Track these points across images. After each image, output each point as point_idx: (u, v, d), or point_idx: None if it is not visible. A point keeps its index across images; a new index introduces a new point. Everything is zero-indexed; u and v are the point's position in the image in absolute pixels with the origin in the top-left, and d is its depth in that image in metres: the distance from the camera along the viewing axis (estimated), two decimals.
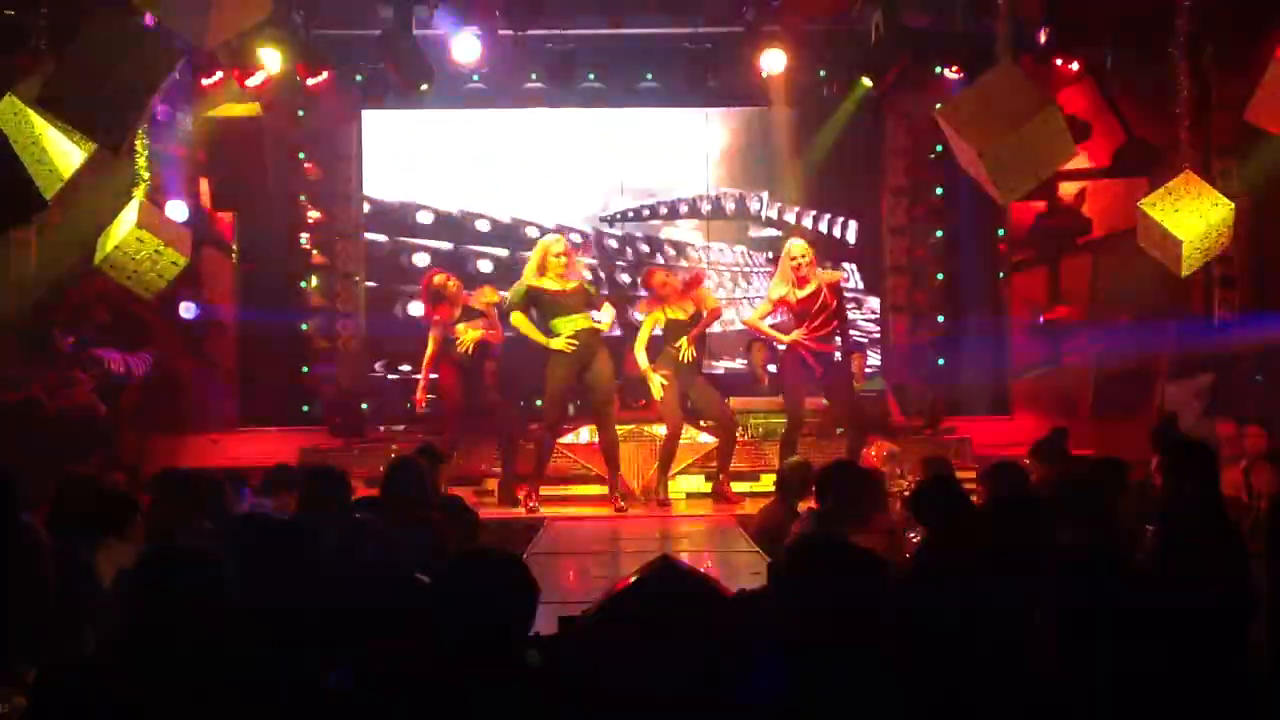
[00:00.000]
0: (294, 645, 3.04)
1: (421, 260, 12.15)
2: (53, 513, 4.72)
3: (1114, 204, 11.14)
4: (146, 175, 8.92)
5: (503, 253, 12.21)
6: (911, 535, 5.62)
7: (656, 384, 9.08)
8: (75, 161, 7.42)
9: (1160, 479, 5.03)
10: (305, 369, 12.07)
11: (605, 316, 9.07)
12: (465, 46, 10.52)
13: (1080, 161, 10.39)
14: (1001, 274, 12.18)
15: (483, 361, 9.41)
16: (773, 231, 12.34)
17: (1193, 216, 8.20)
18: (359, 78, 11.28)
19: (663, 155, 12.37)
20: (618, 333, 9.76)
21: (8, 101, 7.41)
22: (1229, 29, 9.68)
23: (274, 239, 12.07)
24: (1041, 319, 11.59)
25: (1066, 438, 7.80)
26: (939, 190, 12.13)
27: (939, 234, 12.25)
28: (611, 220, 12.42)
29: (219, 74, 10.54)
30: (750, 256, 12.49)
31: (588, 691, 2.51)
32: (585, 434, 10.11)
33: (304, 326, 12.14)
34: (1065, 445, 7.54)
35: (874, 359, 12.11)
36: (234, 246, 11.91)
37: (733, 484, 9.50)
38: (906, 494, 7.39)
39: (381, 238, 12.32)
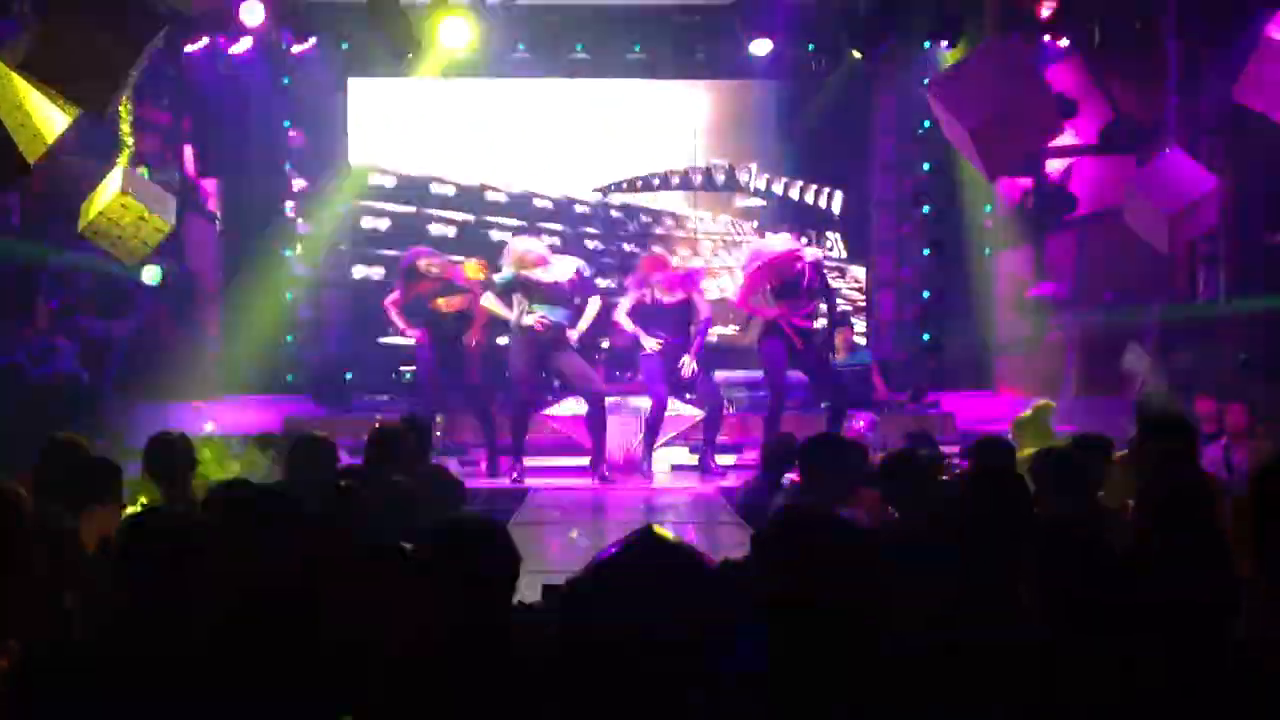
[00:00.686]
0: (278, 613, 3.04)
1: (383, 224, 12.13)
2: (36, 480, 4.70)
3: (1101, 181, 11.16)
4: (130, 141, 8.87)
5: (467, 218, 12.17)
6: (893, 509, 5.64)
7: (651, 342, 9.09)
8: (59, 127, 7.36)
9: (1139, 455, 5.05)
10: (289, 338, 12.04)
11: (590, 310, 9.17)
12: (454, 30, 10.42)
13: (1068, 138, 10.40)
14: (988, 250, 12.20)
15: (463, 331, 9.38)
16: (759, 202, 12.33)
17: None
18: (344, 45, 11.21)
19: (650, 127, 12.34)
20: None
21: None
22: (1219, 7, 9.67)
23: (258, 206, 12.01)
24: (1027, 295, 11.61)
25: (1050, 413, 7.82)
26: (927, 166, 12.13)
27: (926, 210, 12.25)
28: (607, 190, 12.38)
29: (204, 40, 10.46)
30: (737, 226, 12.47)
31: (570, 659, 2.52)
32: (570, 405, 10.13)
33: (288, 295, 12.10)
34: (1049, 421, 7.56)
35: (859, 326, 12.13)
36: (218, 214, 11.85)
37: (718, 457, 9.52)
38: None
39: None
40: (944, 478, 5.61)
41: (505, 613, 2.81)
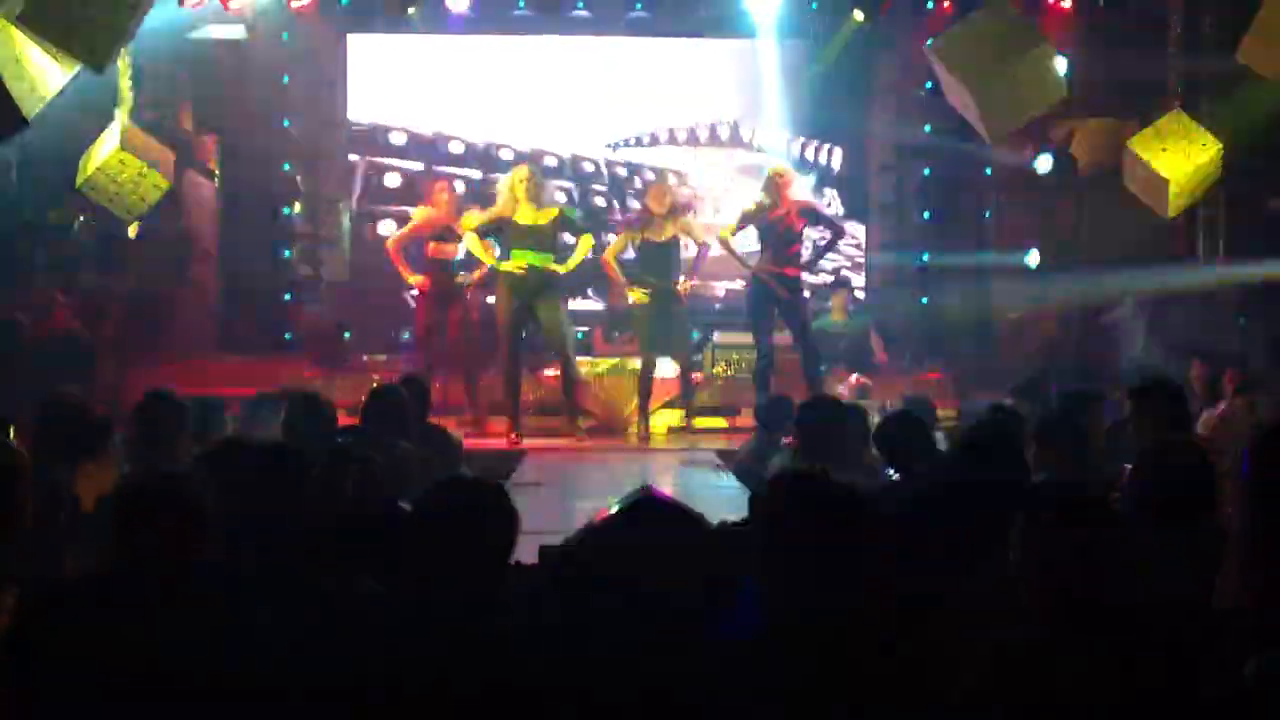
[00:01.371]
0: (277, 570, 3.05)
1: (393, 181, 12.09)
2: (33, 436, 4.70)
3: (1103, 144, 11.10)
4: (129, 96, 8.82)
5: (476, 174, 12.12)
6: (892, 471, 5.65)
7: (639, 293, 9.06)
8: (57, 81, 7.31)
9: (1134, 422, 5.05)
10: (288, 296, 12.01)
11: (581, 249, 9.06)
12: None
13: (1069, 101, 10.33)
14: (988, 213, 12.16)
15: (454, 277, 9.33)
16: (761, 159, 12.25)
17: (1180, 157, 8.19)
18: (344, 1, 11.12)
19: (652, 84, 12.24)
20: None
21: None
22: None
23: (257, 164, 11.96)
24: (1027, 259, 11.56)
25: (1048, 377, 7.83)
26: (927, 128, 12.06)
27: (926, 172, 12.20)
28: (615, 147, 12.30)
29: None
30: (739, 181, 12.37)
31: (567, 621, 2.53)
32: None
33: (287, 253, 12.06)
34: (1047, 384, 7.57)
35: (858, 281, 12.11)
36: (216, 171, 11.80)
37: (713, 419, 9.55)
38: None
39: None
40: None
41: (503, 573, 2.82)
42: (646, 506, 2.57)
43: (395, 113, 12.15)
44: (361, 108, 12.14)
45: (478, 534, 2.78)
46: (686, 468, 8.41)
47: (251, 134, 11.73)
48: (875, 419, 7.20)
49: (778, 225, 9.00)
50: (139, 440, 4.82)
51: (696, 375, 10.05)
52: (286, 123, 11.95)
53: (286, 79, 11.89)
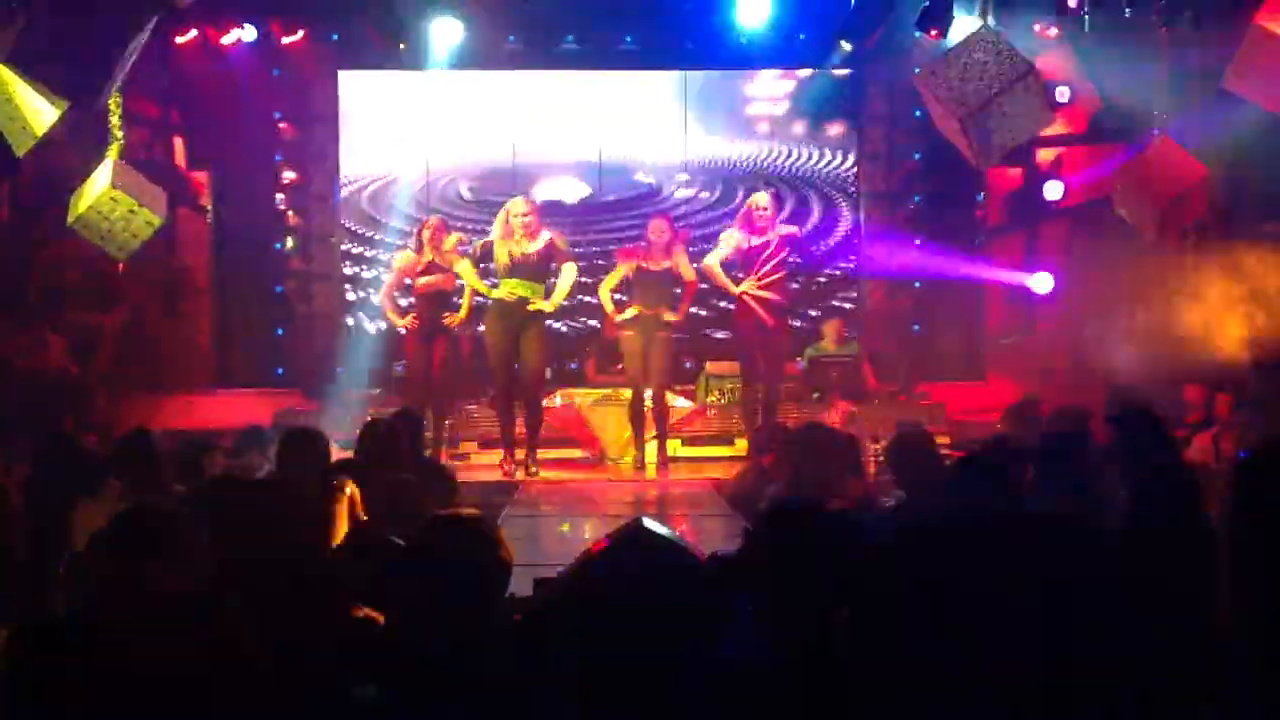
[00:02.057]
0: (270, 608, 3.04)
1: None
2: (30, 474, 4.69)
3: (1091, 170, 11.16)
4: (120, 134, 8.84)
5: (474, 215, 12.11)
6: (886, 500, 5.65)
7: (628, 313, 9.10)
8: (48, 119, 7.34)
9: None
10: (280, 331, 12.02)
11: (564, 281, 9.06)
12: (446, 29, 10.36)
13: (1057, 128, 10.40)
14: (978, 240, 12.20)
15: (441, 313, 9.33)
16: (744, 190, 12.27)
17: (1160, 183, 8.25)
18: (335, 37, 11.17)
19: (641, 117, 12.27)
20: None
21: None
22: None
23: (249, 200, 11.98)
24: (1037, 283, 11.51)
25: (1039, 404, 7.84)
26: (917, 155, 12.12)
27: (917, 199, 12.25)
28: (601, 177, 12.31)
29: (193, 32, 10.43)
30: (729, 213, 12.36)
31: (561, 653, 2.53)
32: (559, 399, 10.14)
33: (279, 289, 12.07)
34: (1038, 411, 7.57)
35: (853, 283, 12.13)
36: (208, 207, 11.83)
37: (707, 448, 9.56)
38: (880, 459, 7.45)
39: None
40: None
41: (497, 608, 2.81)
42: (640, 538, 2.57)
43: (384, 148, 12.15)
44: (352, 144, 12.14)
45: (471, 572, 2.78)
46: (680, 498, 8.40)
47: (243, 170, 11.75)
48: (877, 447, 7.23)
49: (763, 251, 9.06)
50: (122, 479, 4.80)
51: (686, 406, 10.07)
52: (278, 158, 11.98)
53: (278, 115, 11.93)
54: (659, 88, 12.21)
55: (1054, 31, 10.74)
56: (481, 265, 9.11)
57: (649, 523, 2.56)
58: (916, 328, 12.13)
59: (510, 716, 2.54)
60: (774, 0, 10.44)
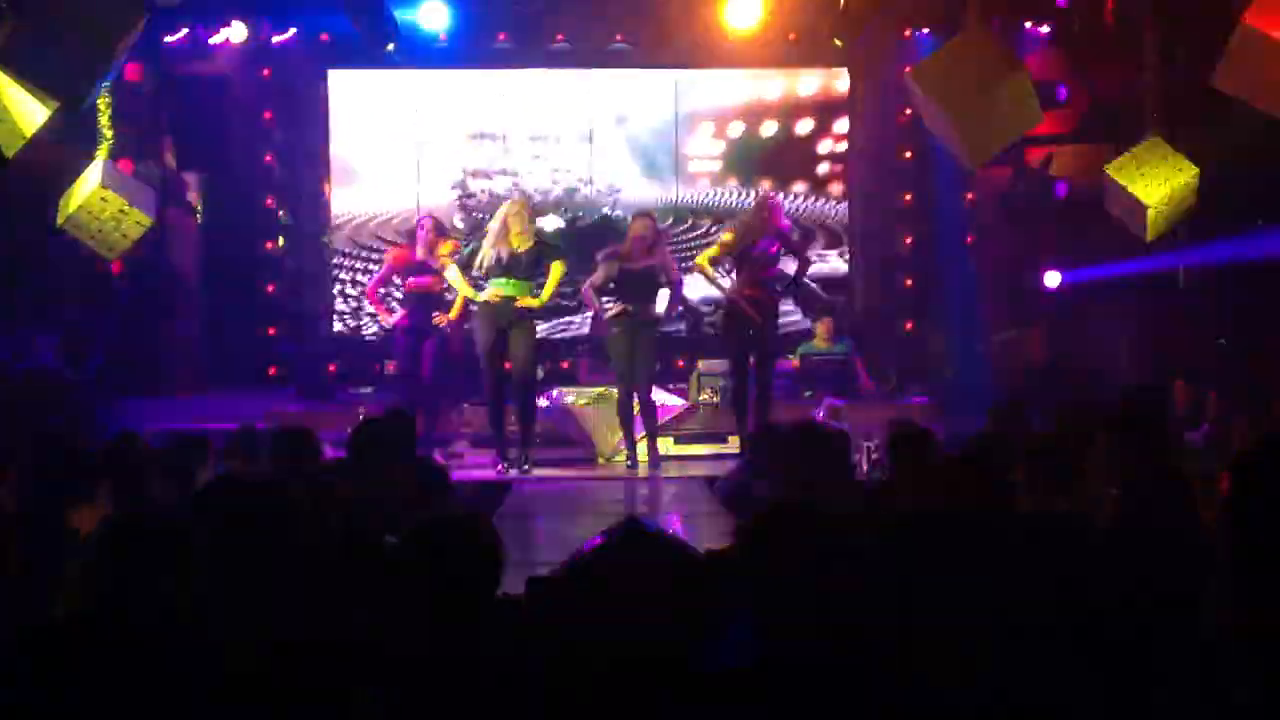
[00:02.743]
0: (265, 608, 3.04)
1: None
2: (24, 477, 4.67)
3: (1081, 169, 11.20)
4: (110, 134, 8.83)
5: (459, 212, 12.10)
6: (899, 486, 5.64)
7: (614, 311, 9.09)
8: (37, 120, 7.32)
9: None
10: (271, 330, 12.01)
11: (553, 278, 9.05)
12: (433, 13, 10.37)
13: (1047, 126, 10.42)
14: (969, 238, 12.22)
15: (431, 312, 9.32)
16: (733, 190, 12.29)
17: (1157, 181, 8.27)
18: (324, 36, 11.16)
19: (631, 116, 12.28)
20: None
21: None
22: None
23: (239, 200, 11.97)
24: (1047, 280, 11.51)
25: (1024, 403, 7.85)
26: (907, 154, 12.14)
27: (907, 198, 12.27)
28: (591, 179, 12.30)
29: (183, 31, 10.42)
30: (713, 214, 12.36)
31: (555, 652, 2.53)
32: (551, 397, 10.13)
33: (270, 288, 12.06)
34: (1023, 410, 7.58)
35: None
36: (198, 207, 11.81)
37: (699, 446, 9.55)
38: (873, 457, 7.46)
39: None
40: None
41: (489, 608, 2.82)
42: (633, 535, 2.57)
43: (375, 148, 12.14)
44: (342, 143, 12.13)
45: (463, 571, 2.78)
46: (673, 496, 8.41)
47: (233, 170, 11.74)
48: (870, 445, 7.23)
49: (753, 250, 9.05)
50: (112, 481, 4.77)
51: (678, 404, 10.08)
52: (268, 158, 11.96)
53: (268, 115, 11.91)
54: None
55: (1045, 30, 10.78)
56: (472, 270, 9.08)
57: (642, 520, 2.57)
58: (909, 326, 12.15)
59: (504, 715, 2.54)
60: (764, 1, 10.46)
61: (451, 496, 5.80)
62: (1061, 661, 2.58)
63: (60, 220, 8.44)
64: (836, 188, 12.35)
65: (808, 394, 9.92)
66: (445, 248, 9.28)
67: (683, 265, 10.03)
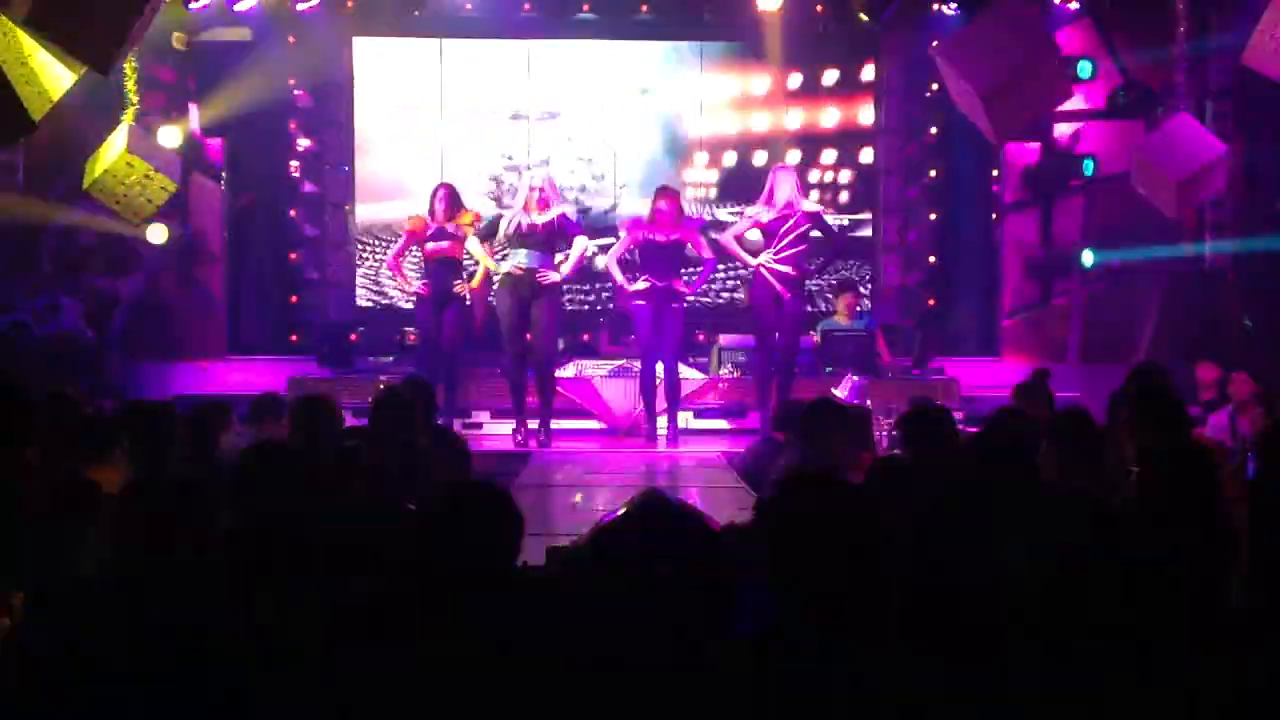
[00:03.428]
0: (285, 573, 3.05)
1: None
2: (46, 435, 4.70)
3: (1109, 146, 11.11)
4: (136, 99, 8.84)
5: (483, 184, 12.08)
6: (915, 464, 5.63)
7: (638, 285, 9.08)
8: (64, 83, 7.33)
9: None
10: (294, 298, 12.03)
11: (575, 251, 9.06)
12: None
13: (1076, 102, 10.34)
14: (995, 215, 12.15)
15: (452, 280, 9.32)
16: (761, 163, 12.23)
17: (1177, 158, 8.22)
18: (350, 3, 11.13)
19: (655, 89, 12.22)
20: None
21: None
22: None
23: (263, 166, 11.97)
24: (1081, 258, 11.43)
25: (1048, 379, 7.82)
26: (933, 130, 12.06)
27: (932, 174, 12.20)
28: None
29: None
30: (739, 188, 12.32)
31: (574, 623, 2.53)
32: (571, 368, 10.14)
33: (293, 255, 12.08)
34: (1048, 387, 7.56)
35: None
36: (223, 173, 11.82)
37: (719, 421, 9.57)
38: (892, 433, 7.44)
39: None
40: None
41: (508, 577, 2.82)
42: (653, 508, 2.57)
43: (400, 115, 12.12)
44: (367, 110, 12.11)
45: (483, 539, 2.79)
46: (693, 470, 8.41)
47: (258, 136, 11.74)
48: (889, 421, 7.20)
49: (783, 225, 9.00)
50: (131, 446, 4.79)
51: (699, 378, 10.07)
52: (292, 126, 11.96)
53: (293, 81, 11.89)
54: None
55: (1074, 5, 10.67)
56: (494, 241, 9.11)
57: (662, 492, 2.57)
58: (931, 303, 12.10)
59: (524, 684, 2.55)
60: None
61: (470, 466, 5.82)
62: (1075, 635, 2.57)
63: (86, 184, 8.47)
64: (867, 154, 12.26)
65: (829, 370, 9.88)
66: (466, 217, 9.30)
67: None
